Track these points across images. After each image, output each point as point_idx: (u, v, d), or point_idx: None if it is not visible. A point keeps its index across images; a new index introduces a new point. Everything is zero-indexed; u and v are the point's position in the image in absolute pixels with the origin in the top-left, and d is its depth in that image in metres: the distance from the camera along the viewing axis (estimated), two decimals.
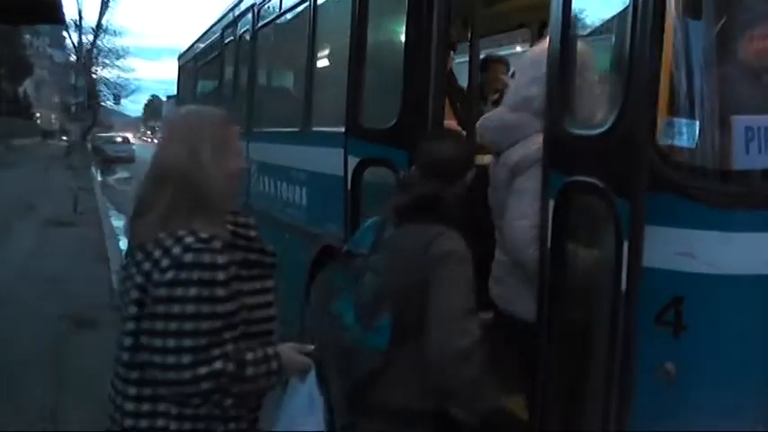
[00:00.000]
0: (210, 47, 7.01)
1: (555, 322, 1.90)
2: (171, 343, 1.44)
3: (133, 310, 1.51)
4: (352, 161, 2.84)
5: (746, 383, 1.77)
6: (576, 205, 1.85)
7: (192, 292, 1.44)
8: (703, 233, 1.68)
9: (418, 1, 2.56)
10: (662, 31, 1.59)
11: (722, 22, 1.85)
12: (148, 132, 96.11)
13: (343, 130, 2.93)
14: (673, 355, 1.71)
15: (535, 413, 1.99)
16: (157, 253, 1.48)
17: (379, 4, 2.98)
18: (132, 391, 1.53)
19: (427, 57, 2.51)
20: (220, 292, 1.47)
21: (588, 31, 1.90)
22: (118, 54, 42.58)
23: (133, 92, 45.89)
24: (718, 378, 1.74)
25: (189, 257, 1.44)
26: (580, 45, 1.88)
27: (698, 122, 1.70)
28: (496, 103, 3.14)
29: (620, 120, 1.59)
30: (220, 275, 1.46)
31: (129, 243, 1.61)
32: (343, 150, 2.90)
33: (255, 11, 5.18)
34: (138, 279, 1.50)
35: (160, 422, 1.51)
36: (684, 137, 1.71)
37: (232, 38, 5.96)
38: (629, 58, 1.57)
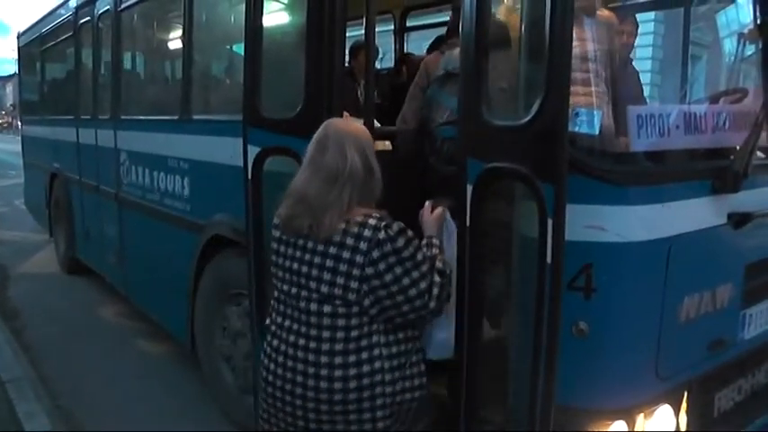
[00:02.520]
0: (61, 27, 6.45)
1: (477, 298, 2.06)
2: (413, 292, 1.86)
3: (338, 291, 1.86)
4: (253, 151, 2.79)
5: (646, 333, 2.11)
6: (494, 189, 1.99)
7: (409, 252, 1.85)
8: (607, 208, 1.97)
9: None
10: (572, 27, 1.75)
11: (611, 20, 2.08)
12: None
13: (239, 118, 2.87)
14: (585, 315, 2.00)
15: (460, 390, 2.13)
16: (350, 241, 1.84)
17: None
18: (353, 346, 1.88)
19: (331, 42, 2.52)
20: (416, 241, 1.91)
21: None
22: None
23: None
24: (624, 330, 2.06)
25: (382, 234, 1.83)
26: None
27: (599, 112, 1.90)
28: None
29: (541, 111, 1.75)
30: (409, 231, 1.88)
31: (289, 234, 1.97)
32: (240, 140, 2.83)
33: None
34: (342, 267, 1.84)
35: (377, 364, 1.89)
36: (588, 125, 1.92)
37: (89, 18, 5.55)
38: (549, 54, 1.71)
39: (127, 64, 5.26)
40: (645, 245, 2.02)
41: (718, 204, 2.28)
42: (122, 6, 4.86)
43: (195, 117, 3.81)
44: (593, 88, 1.97)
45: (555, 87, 1.73)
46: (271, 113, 2.76)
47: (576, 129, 1.94)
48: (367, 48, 2.87)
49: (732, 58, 2.79)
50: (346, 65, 4.68)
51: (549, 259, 1.76)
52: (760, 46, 2.54)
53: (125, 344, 4.85)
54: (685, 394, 2.36)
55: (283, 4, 3.01)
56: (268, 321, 2.06)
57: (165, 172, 4.11)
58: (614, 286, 2.01)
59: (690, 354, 2.34)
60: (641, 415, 2.18)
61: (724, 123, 2.43)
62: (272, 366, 1.97)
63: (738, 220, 2.32)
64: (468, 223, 2.02)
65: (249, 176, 2.82)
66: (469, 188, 2.00)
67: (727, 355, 2.53)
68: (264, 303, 2.88)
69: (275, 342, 1.99)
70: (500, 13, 1.99)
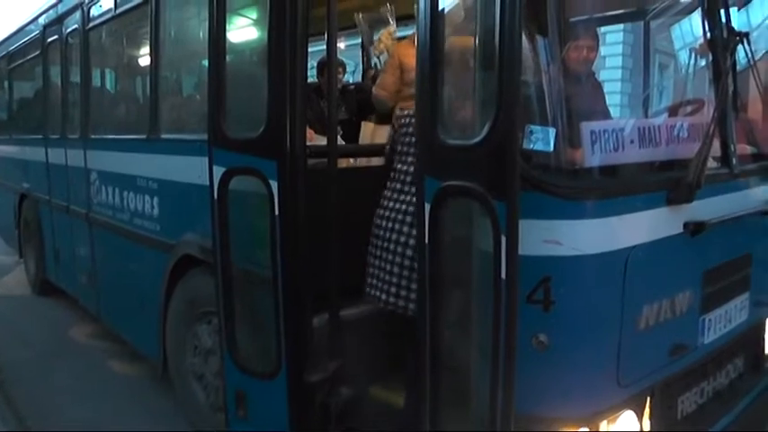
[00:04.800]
0: (29, 45, 6.41)
1: (437, 313, 2.09)
2: None
3: None
4: (218, 171, 2.80)
5: (606, 343, 2.16)
6: (451, 207, 2.03)
7: None
8: (563, 222, 2.02)
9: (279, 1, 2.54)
10: (520, 49, 1.79)
11: (562, 39, 2.14)
12: None
13: (205, 138, 2.87)
14: (544, 327, 2.04)
15: (420, 398, 2.16)
16: None
17: (239, 4, 2.97)
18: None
19: (293, 62, 2.53)
20: None
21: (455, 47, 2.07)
22: None
23: None
24: (584, 341, 2.11)
25: None
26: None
27: (553, 129, 1.95)
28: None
29: (493, 131, 1.79)
30: None
31: None
32: (206, 159, 2.84)
33: (85, 9, 4.86)
34: None
35: None
36: (543, 142, 1.96)
37: (57, 36, 5.52)
38: (499, 75, 1.75)
39: (95, 83, 5.24)
40: (601, 257, 2.07)
41: (673, 214, 2.34)
42: (90, 25, 4.85)
43: (163, 136, 3.81)
44: (547, 105, 2.01)
45: (506, 106, 1.76)
46: (235, 133, 2.77)
47: (531, 146, 1.98)
48: (329, 64, 2.88)
49: (686, 71, 2.86)
50: (315, 80, 4.73)
51: (503, 275, 1.79)
52: (710, 59, 2.62)
53: (97, 365, 4.79)
54: (648, 399, 2.41)
55: (245, 23, 3.03)
56: (395, 194, 2.61)
57: (135, 192, 4.09)
58: (572, 298, 2.05)
59: (651, 360, 2.39)
60: (605, 422, 2.22)
61: (678, 135, 2.50)
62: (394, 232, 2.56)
63: (694, 228, 2.38)
64: (426, 241, 2.05)
65: (215, 197, 2.83)
66: (427, 206, 2.04)
67: (688, 359, 2.58)
68: (233, 321, 2.90)
69: (401, 215, 2.55)
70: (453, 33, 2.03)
